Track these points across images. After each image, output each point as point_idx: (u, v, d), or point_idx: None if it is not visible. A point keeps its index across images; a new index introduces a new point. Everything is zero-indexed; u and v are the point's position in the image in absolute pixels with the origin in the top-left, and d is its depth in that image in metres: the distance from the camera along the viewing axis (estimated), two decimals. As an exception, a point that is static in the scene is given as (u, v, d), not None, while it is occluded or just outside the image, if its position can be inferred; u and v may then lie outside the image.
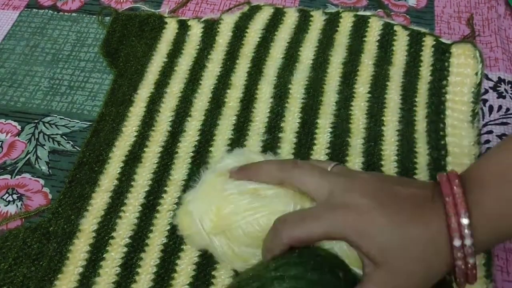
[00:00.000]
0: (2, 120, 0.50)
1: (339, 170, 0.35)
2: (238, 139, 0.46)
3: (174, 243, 0.41)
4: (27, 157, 0.47)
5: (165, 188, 0.43)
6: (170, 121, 0.48)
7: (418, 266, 0.30)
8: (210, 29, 0.55)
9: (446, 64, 0.50)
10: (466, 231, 0.29)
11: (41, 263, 0.39)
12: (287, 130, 0.47)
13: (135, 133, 0.47)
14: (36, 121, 0.50)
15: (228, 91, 0.50)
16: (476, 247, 0.29)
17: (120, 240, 0.41)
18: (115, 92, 0.50)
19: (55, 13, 0.59)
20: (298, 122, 0.47)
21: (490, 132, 0.47)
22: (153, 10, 0.58)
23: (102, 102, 0.50)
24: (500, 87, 0.50)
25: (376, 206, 0.31)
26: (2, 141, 0.48)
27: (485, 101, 0.49)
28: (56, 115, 0.50)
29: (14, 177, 0.46)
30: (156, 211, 0.42)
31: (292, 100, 0.49)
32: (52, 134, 0.49)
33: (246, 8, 0.57)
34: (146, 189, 0.43)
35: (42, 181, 0.45)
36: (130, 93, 0.50)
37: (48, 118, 0.50)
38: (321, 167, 0.35)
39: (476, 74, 0.49)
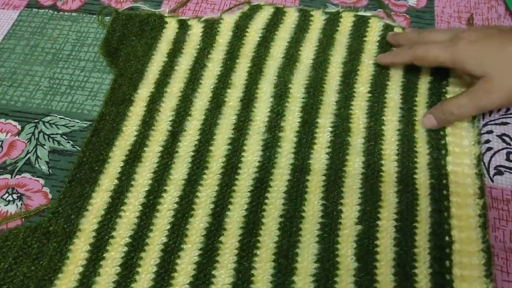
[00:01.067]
0: (2, 120, 0.50)
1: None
2: (238, 138, 0.46)
3: (174, 242, 0.41)
4: (27, 156, 0.47)
5: (165, 188, 0.44)
6: (170, 121, 0.48)
7: None
8: (210, 28, 0.55)
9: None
10: None
11: (41, 262, 0.39)
12: (287, 129, 0.47)
13: (135, 133, 0.47)
14: (36, 120, 0.50)
15: (228, 90, 0.50)
16: None
17: (120, 240, 0.41)
18: (115, 92, 0.50)
19: (55, 12, 0.59)
20: (298, 122, 0.47)
21: (490, 132, 0.47)
22: (153, 10, 0.58)
23: (102, 102, 0.50)
24: (500, 87, 0.50)
25: (485, 36, 0.44)
26: (2, 141, 0.48)
27: (485, 101, 0.49)
28: (56, 115, 0.50)
29: (14, 176, 0.46)
30: (156, 211, 0.42)
31: (292, 100, 0.49)
32: (52, 134, 0.49)
33: (246, 7, 0.57)
34: (146, 189, 0.44)
35: (42, 181, 0.45)
36: (130, 92, 0.50)
37: (48, 118, 0.50)
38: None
39: None
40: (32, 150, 0.47)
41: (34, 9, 0.59)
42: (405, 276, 0.38)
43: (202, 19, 0.56)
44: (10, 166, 0.46)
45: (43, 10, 0.59)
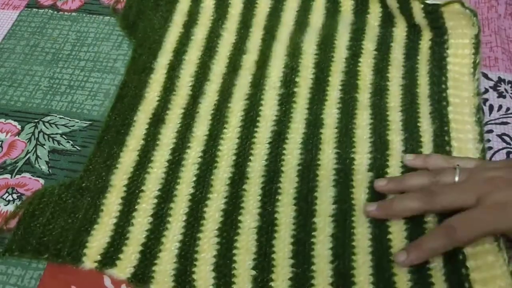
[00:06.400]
0: (2, 120, 0.50)
1: (468, 173, 0.39)
2: (255, 94, 0.49)
3: (200, 193, 0.43)
4: (27, 156, 0.47)
5: (189, 144, 0.46)
6: (190, 86, 0.50)
7: None
8: (222, 0, 0.58)
9: (441, 21, 0.51)
10: None
11: (77, 215, 0.42)
12: (302, 85, 0.50)
13: (158, 98, 0.50)
14: (36, 120, 0.50)
15: (244, 56, 0.52)
16: None
17: (150, 193, 0.43)
18: (135, 61, 0.53)
19: (55, 12, 0.59)
20: (311, 78, 0.50)
21: (491, 131, 0.47)
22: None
23: (124, 72, 0.52)
24: (500, 86, 0.50)
25: None
26: (2, 141, 0.48)
27: (485, 100, 0.49)
28: (56, 115, 0.50)
29: (14, 176, 0.46)
30: (182, 165, 0.45)
31: (306, 56, 0.51)
32: (52, 134, 0.49)
33: None
34: (171, 147, 0.46)
35: (42, 181, 0.45)
36: (150, 61, 0.52)
37: (48, 118, 0.50)
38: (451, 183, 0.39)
39: (473, 25, 0.50)
40: (32, 150, 0.47)
41: (34, 9, 0.60)
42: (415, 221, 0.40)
43: None
44: (10, 166, 0.46)
45: (43, 10, 0.59)
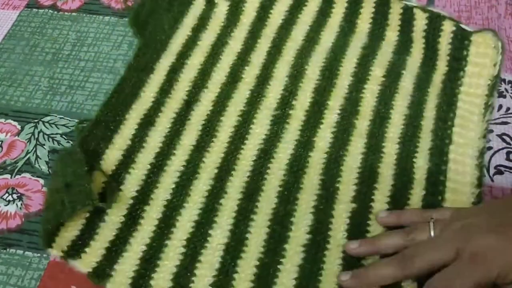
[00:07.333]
0: (2, 120, 0.50)
1: (443, 225, 0.36)
2: (249, 111, 0.48)
3: (177, 200, 0.42)
4: (27, 156, 0.47)
5: (174, 151, 0.45)
6: (186, 91, 0.50)
7: None
8: (236, 7, 0.57)
9: (465, 53, 0.50)
10: None
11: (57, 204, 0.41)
12: (297, 108, 0.48)
13: (152, 99, 0.49)
14: (36, 120, 0.50)
15: (246, 68, 0.51)
16: None
17: (127, 193, 0.43)
18: (138, 59, 0.52)
19: (55, 12, 0.59)
20: (309, 102, 0.48)
21: (491, 131, 0.47)
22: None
23: (125, 67, 0.52)
24: (500, 86, 0.50)
25: (506, 238, 0.34)
26: (2, 141, 0.48)
27: (485, 100, 0.49)
28: (56, 115, 0.50)
29: (14, 176, 0.46)
30: (164, 171, 0.44)
31: (307, 81, 0.50)
32: (52, 134, 0.49)
33: None
34: (156, 151, 0.46)
35: (42, 181, 0.45)
36: (152, 61, 0.52)
37: (48, 118, 0.50)
38: (424, 239, 0.37)
39: (495, 65, 0.49)
40: (32, 150, 0.47)
41: (34, 9, 0.60)
42: None
43: None
44: (10, 166, 0.46)
45: (43, 10, 0.59)
